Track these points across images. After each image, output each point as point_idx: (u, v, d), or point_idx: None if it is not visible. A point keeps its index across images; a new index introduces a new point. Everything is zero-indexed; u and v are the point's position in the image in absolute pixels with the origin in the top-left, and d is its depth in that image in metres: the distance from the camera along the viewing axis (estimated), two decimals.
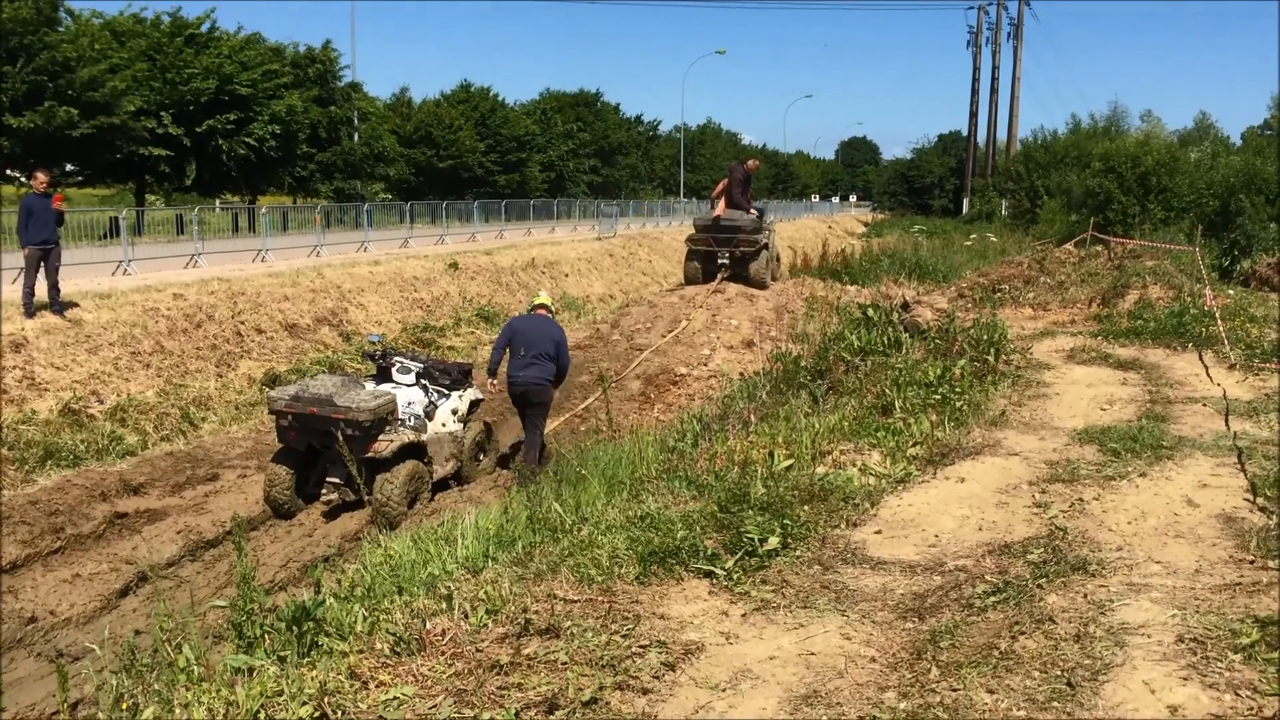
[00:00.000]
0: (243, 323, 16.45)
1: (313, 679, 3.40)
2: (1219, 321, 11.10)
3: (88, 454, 11.33)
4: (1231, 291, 16.17)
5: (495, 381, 10.62)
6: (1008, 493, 5.75)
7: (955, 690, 3.36)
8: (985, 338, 9.67)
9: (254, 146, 33.61)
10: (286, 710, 3.23)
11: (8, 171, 30.73)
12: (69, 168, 31.94)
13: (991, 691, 3.33)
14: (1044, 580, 4.28)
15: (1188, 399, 8.23)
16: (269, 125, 33.94)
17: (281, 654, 3.91)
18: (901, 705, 3.31)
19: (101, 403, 12.76)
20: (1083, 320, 13.74)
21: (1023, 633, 3.75)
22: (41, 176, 14.11)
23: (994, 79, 66.75)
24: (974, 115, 69.39)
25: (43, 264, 13.59)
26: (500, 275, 25.88)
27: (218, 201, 36.90)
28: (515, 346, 10.42)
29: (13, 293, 14.20)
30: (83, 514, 9.36)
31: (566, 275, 29.09)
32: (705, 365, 15.10)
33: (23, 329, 13.13)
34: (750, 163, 20.96)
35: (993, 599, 4.13)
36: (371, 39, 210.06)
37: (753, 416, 8.18)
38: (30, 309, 13.57)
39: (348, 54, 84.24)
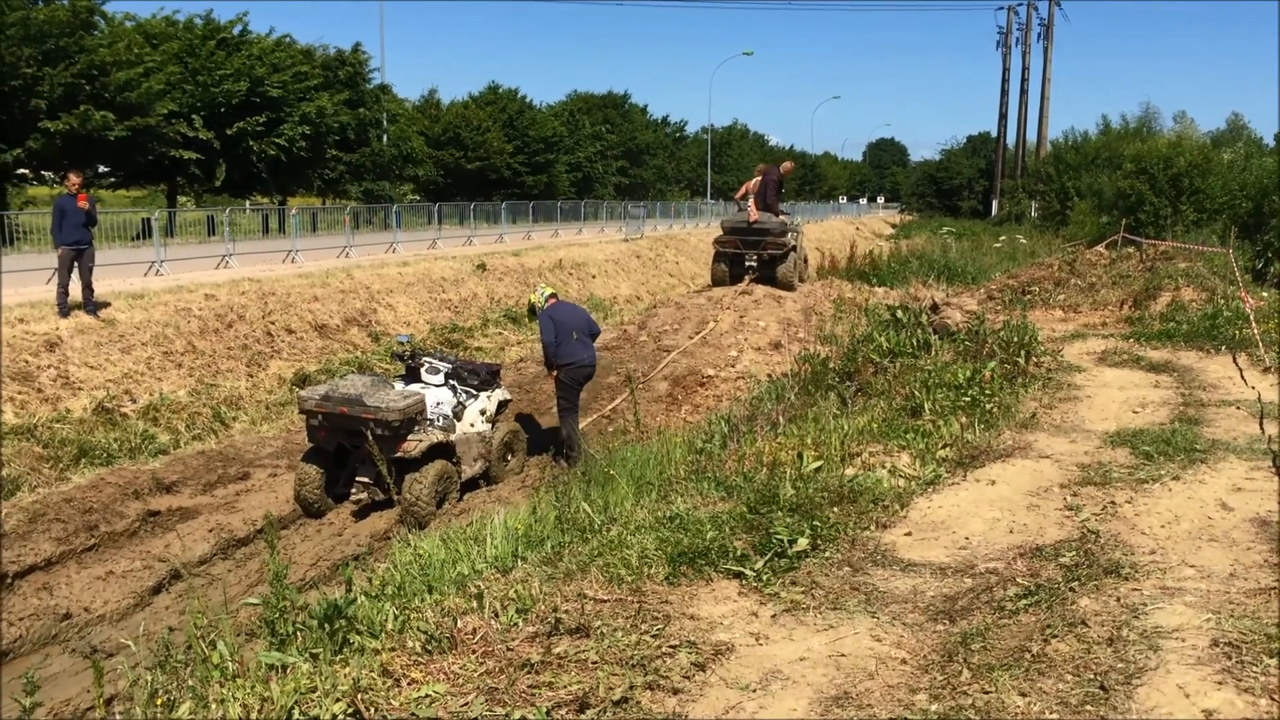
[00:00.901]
0: (273, 323, 16.57)
1: (346, 676, 3.43)
2: (1253, 324, 10.99)
3: (121, 453, 11.45)
4: (1265, 294, 16.00)
5: (557, 371, 11.11)
6: (1039, 495, 5.72)
7: (987, 693, 3.35)
8: (1015, 340, 9.62)
9: (284, 148, 33.86)
10: (320, 707, 3.25)
11: (43, 173, 31.12)
12: (102, 169, 32.28)
13: (1024, 694, 3.32)
14: (1076, 583, 4.26)
15: (1221, 402, 8.16)
16: (299, 127, 34.19)
17: (314, 651, 3.94)
18: (933, 707, 3.30)
19: (134, 402, 12.89)
20: (1114, 323, 13.64)
21: (1055, 636, 3.73)
22: (73, 178, 14.27)
23: (1024, 80, 66.40)
24: (1003, 116, 69.03)
25: (76, 264, 13.75)
26: (528, 276, 25.94)
27: (248, 203, 37.20)
28: (565, 333, 11.03)
29: (47, 293, 14.37)
30: (116, 512, 9.46)
31: (594, 276, 29.13)
32: (733, 367, 15.08)
33: (57, 328, 13.28)
34: (785, 165, 20.85)
35: (1024, 602, 4.11)
36: (401, 41, 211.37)
37: (781, 418, 8.17)
38: (64, 309, 13.73)
39: (377, 56, 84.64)
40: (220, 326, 15.56)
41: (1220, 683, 3.27)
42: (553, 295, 11.49)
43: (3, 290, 14.22)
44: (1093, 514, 5.24)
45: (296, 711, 3.26)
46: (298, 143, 34.22)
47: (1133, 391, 8.77)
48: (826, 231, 56.38)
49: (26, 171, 30.22)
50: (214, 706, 3.43)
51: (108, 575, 8.35)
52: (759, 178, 19.82)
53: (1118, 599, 4.08)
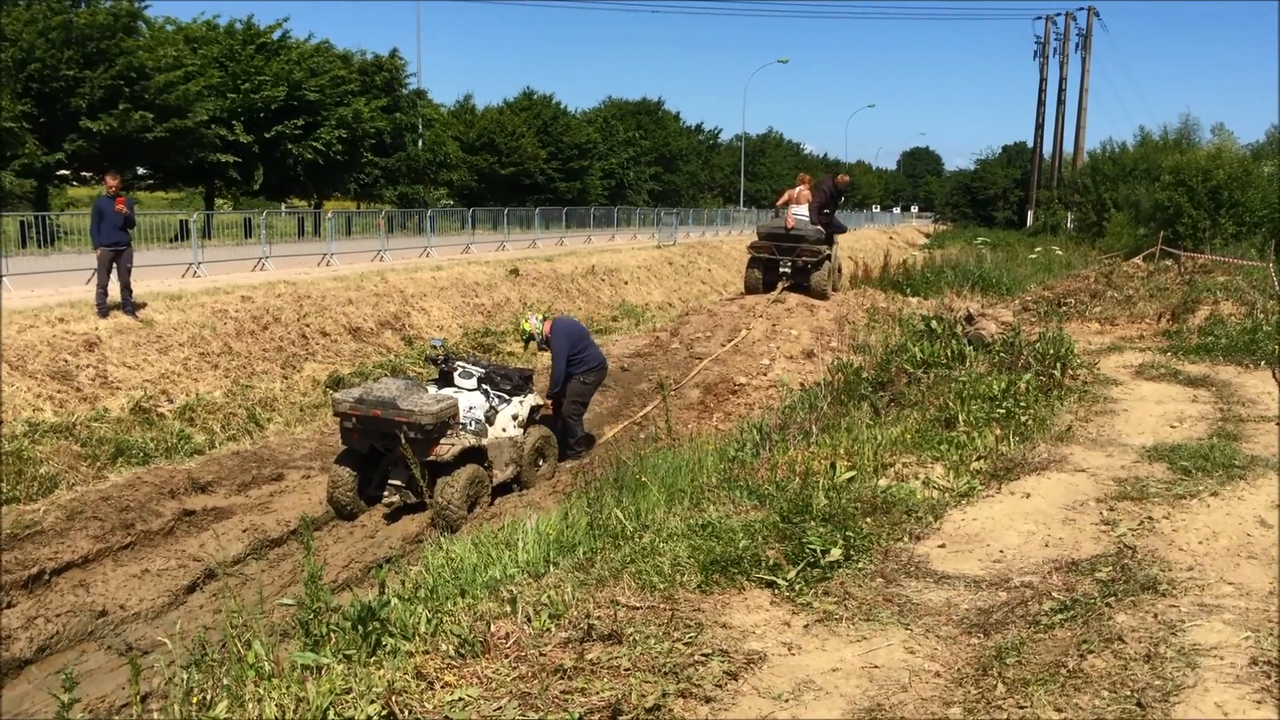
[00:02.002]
0: (308, 325, 16.70)
1: (380, 678, 3.45)
2: None
3: (157, 452, 11.57)
4: None
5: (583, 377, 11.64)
6: (1074, 509, 5.67)
7: (1022, 708, 3.33)
8: (1051, 352, 9.54)
9: (321, 151, 34.14)
10: (355, 708, 3.28)
11: (83, 174, 31.52)
12: (141, 171, 32.65)
13: (1059, 710, 3.29)
14: (1113, 599, 4.22)
15: (1260, 418, 8.06)
16: (336, 130, 34.47)
17: (348, 653, 3.96)
18: None
19: (171, 402, 13.03)
20: (1151, 336, 13.50)
21: (1091, 651, 3.70)
22: (111, 180, 14.45)
23: (1061, 90, 65.96)
24: (1040, 127, 68.57)
25: (115, 265, 13.91)
26: (560, 282, 26.02)
27: (284, 206, 37.52)
28: (586, 340, 11.75)
29: (87, 293, 14.56)
30: (152, 511, 9.55)
31: (626, 283, 29.17)
32: (765, 375, 15.05)
33: (96, 328, 13.45)
34: (840, 178, 20.55)
35: (1060, 616, 4.08)
36: (438, 46, 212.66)
37: (813, 427, 8.14)
38: (104, 309, 13.90)
39: (414, 61, 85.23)
40: (256, 328, 15.71)
41: (1259, 701, 3.24)
42: (546, 317, 11.95)
43: (31, 291, 14.41)
44: (1129, 529, 5.20)
45: (331, 712, 3.28)
46: (334, 146, 34.49)
47: (1170, 406, 8.68)
48: (860, 240, 56.17)
49: (67, 173, 30.62)
50: (250, 706, 3.46)
51: (143, 573, 8.43)
52: (802, 187, 19.74)
53: (1155, 615, 4.04)
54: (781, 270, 19.69)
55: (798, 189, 19.71)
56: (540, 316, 11.96)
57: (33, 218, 20.65)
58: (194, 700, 3.78)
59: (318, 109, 34.23)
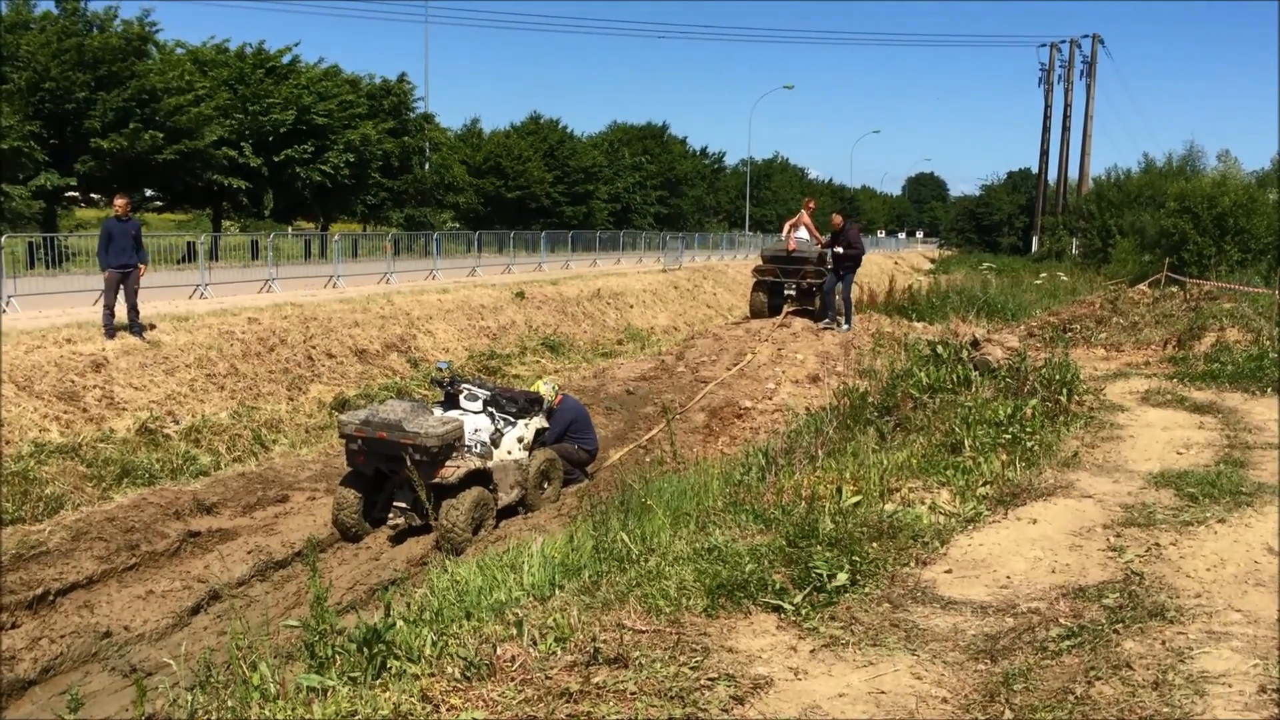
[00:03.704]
0: (314, 347, 16.74)
1: (386, 700, 3.44)
2: None
3: (163, 473, 11.59)
4: None
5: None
6: (1081, 535, 5.65)
7: None
8: (1057, 377, 9.52)
9: (329, 174, 34.32)
10: None
11: (92, 195, 31.71)
12: (149, 193, 32.85)
13: None
14: (1120, 625, 4.21)
15: (1267, 445, 8.03)
16: (344, 154, 34.68)
17: (353, 675, 3.96)
18: None
19: (177, 423, 13.05)
20: (1157, 362, 13.48)
21: (1099, 678, 3.68)
22: (121, 201, 14.52)
23: (1065, 117, 66.26)
24: (1045, 153, 68.85)
25: (122, 286, 13.96)
26: (566, 305, 26.07)
27: (290, 228, 37.69)
28: (582, 427, 12.02)
29: (94, 314, 14.61)
30: (157, 532, 9.56)
31: (631, 306, 29.22)
32: (770, 399, 15.05)
33: (103, 349, 13.50)
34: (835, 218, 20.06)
35: (1067, 643, 4.06)
36: (445, 70, 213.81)
37: (819, 451, 8.13)
38: (111, 330, 13.95)
39: (421, 85, 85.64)
40: (262, 350, 15.74)
41: None
42: (560, 390, 12.30)
43: (39, 311, 14.45)
44: (1136, 555, 5.18)
45: None
46: (342, 170, 34.71)
47: (1177, 432, 8.65)
48: (865, 266, 56.05)
49: (76, 194, 30.82)
50: None
51: (148, 594, 8.43)
52: (803, 212, 19.85)
53: (1163, 642, 4.02)
54: (786, 292, 19.73)
55: (800, 214, 19.77)
56: (555, 387, 12.21)
57: (41, 239, 20.77)
58: None
59: (326, 133, 34.44)
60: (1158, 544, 5.38)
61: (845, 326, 18.65)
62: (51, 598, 8.15)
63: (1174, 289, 20.98)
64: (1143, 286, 22.82)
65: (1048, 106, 67.89)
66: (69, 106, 26.74)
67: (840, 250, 18.70)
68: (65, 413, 12.17)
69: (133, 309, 14.14)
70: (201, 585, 8.63)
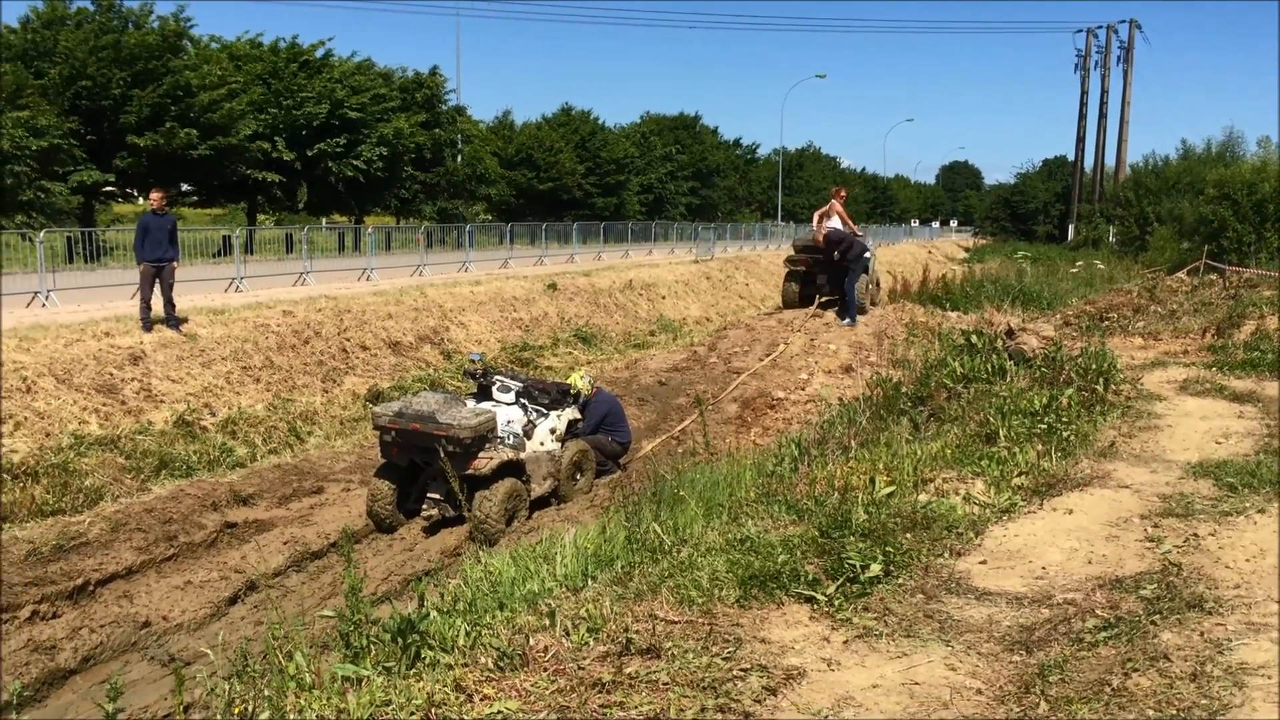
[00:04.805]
0: (348, 340, 16.84)
1: (420, 690, 3.46)
2: None
3: (200, 465, 11.71)
4: None
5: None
6: (1118, 526, 5.60)
7: None
8: (1094, 367, 9.43)
9: (361, 168, 34.46)
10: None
11: (128, 190, 32.05)
12: (185, 188, 33.16)
13: None
14: (1158, 616, 4.16)
15: None
16: (377, 148, 34.80)
17: (387, 665, 3.98)
18: None
19: (213, 415, 13.17)
20: (1196, 351, 13.31)
21: (1136, 670, 3.64)
22: (156, 195, 14.65)
23: (1102, 103, 65.41)
24: (1081, 140, 68.10)
25: (158, 280, 14.09)
26: (598, 296, 26.08)
27: (324, 221, 37.91)
28: (616, 420, 12.09)
29: (132, 307, 14.77)
30: (195, 523, 9.67)
31: (663, 297, 29.19)
32: (803, 389, 14.99)
33: (140, 342, 13.63)
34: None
35: (1104, 634, 4.03)
36: (477, 63, 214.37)
37: (852, 442, 8.10)
38: (147, 323, 14.08)
39: (454, 78, 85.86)
40: (297, 342, 15.86)
41: None
42: (595, 383, 12.38)
43: (78, 306, 14.60)
44: (1174, 546, 5.12)
45: None
46: (375, 163, 34.83)
47: (1215, 422, 8.55)
48: (898, 255, 55.93)
49: (113, 189, 31.15)
50: (291, 717, 3.48)
51: (186, 585, 8.52)
52: (834, 201, 19.67)
53: (1201, 634, 3.98)
54: (818, 282, 19.59)
55: (830, 204, 19.59)
56: (591, 379, 12.25)
57: (80, 233, 21.00)
58: (236, 711, 3.81)
59: (359, 127, 34.59)
60: (1196, 535, 5.31)
61: (849, 321, 18.49)
62: (91, 588, 8.26)
63: (1213, 277, 20.73)
64: (1181, 274, 22.55)
65: (1084, 93, 67.16)
66: (105, 103, 27.02)
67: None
68: (104, 405, 12.31)
69: (169, 303, 14.27)
70: (238, 576, 8.71)
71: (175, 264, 14.45)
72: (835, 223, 19.06)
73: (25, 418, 11.37)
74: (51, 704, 6.94)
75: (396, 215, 42.32)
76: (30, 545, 8.71)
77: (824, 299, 19.63)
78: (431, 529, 9.87)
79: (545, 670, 3.71)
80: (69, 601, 8.02)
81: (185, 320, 14.79)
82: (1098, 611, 4.28)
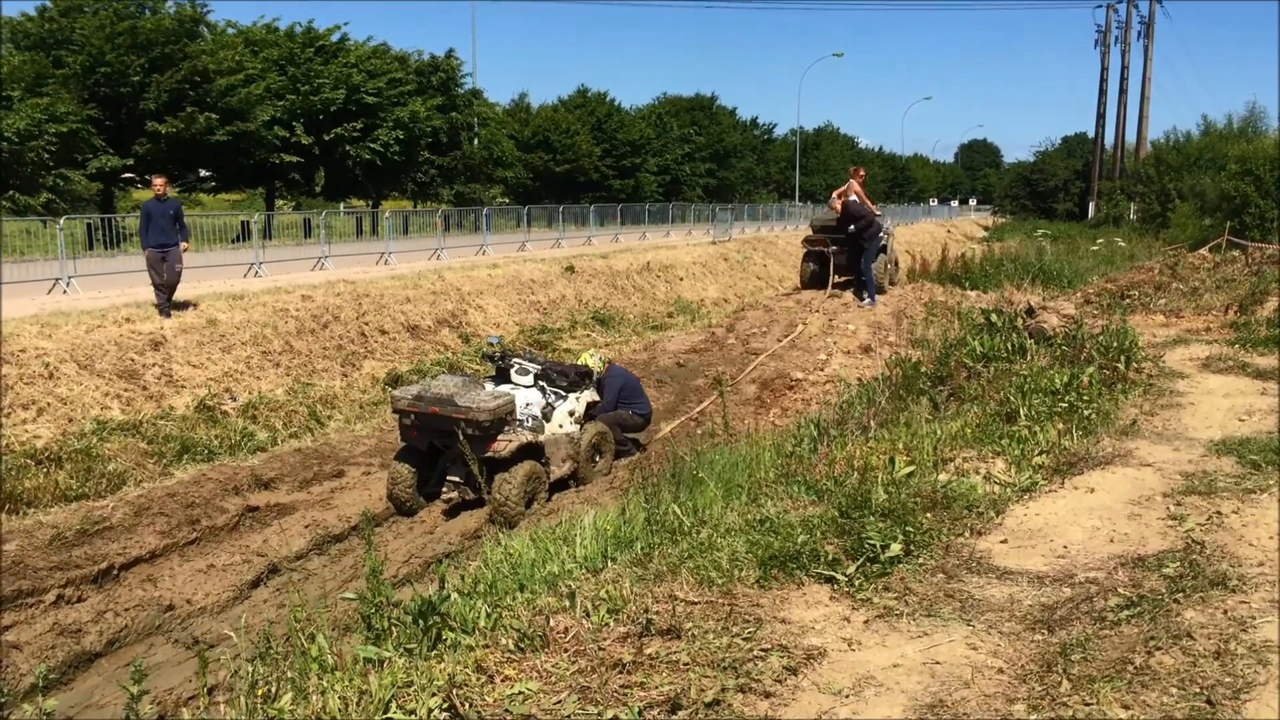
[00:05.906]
0: (367, 324, 16.89)
1: (441, 672, 3.48)
2: None
3: (221, 449, 11.78)
4: None
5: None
6: (1140, 504, 5.57)
7: (1088, 705, 3.27)
8: (1115, 344, 9.38)
9: (379, 152, 34.49)
10: (416, 701, 3.31)
11: (148, 176, 32.22)
12: (204, 173, 33.27)
13: (1126, 707, 3.24)
14: (1180, 595, 4.14)
15: None
16: (393, 131, 34.82)
17: (408, 646, 4.00)
18: (1032, 718, 3.24)
19: (234, 400, 13.24)
20: (1218, 328, 13.21)
21: (1159, 648, 3.63)
22: (159, 181, 14.70)
23: (1123, 79, 64.73)
24: (1101, 116, 67.34)
25: (164, 264, 14.09)
26: (615, 279, 26.06)
27: (342, 206, 37.97)
28: (633, 393, 12.01)
29: (151, 293, 14.81)
30: (217, 507, 9.73)
31: (681, 279, 29.15)
32: (822, 370, 14.95)
33: (161, 328, 13.70)
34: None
35: (1126, 613, 4.01)
36: (492, 46, 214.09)
37: (871, 422, 8.07)
38: (165, 308, 14.12)
39: (469, 60, 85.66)
40: (316, 327, 15.91)
41: None
42: (607, 361, 12.35)
43: (98, 292, 14.65)
44: (1197, 524, 5.09)
45: (394, 705, 3.32)
46: (392, 147, 34.85)
47: (1239, 399, 8.48)
48: (917, 234, 55.67)
49: (132, 176, 31.28)
50: (313, 698, 3.50)
51: (209, 568, 8.59)
52: (853, 180, 19.57)
53: (1224, 611, 3.95)
54: (835, 262, 19.52)
55: (848, 184, 19.49)
56: (602, 357, 12.26)
57: (99, 220, 21.11)
58: (259, 693, 3.84)
59: (375, 111, 34.60)
60: (1219, 512, 5.28)
61: (868, 301, 18.40)
62: (115, 572, 8.33)
63: (1235, 253, 20.55)
64: (1203, 251, 22.36)
65: (1104, 69, 66.40)
66: (124, 89, 27.12)
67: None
68: (126, 390, 12.39)
69: (170, 286, 14.21)
70: (260, 559, 8.77)
71: (186, 246, 14.42)
72: (852, 198, 18.97)
73: (48, 404, 11.46)
74: (77, 687, 7.01)
75: (414, 199, 42.36)
76: (54, 530, 8.78)
77: (841, 279, 19.57)
78: (451, 511, 9.90)
79: (566, 651, 3.72)
80: (93, 585, 8.09)
81: (183, 307, 14.66)
82: (1120, 590, 4.26)
